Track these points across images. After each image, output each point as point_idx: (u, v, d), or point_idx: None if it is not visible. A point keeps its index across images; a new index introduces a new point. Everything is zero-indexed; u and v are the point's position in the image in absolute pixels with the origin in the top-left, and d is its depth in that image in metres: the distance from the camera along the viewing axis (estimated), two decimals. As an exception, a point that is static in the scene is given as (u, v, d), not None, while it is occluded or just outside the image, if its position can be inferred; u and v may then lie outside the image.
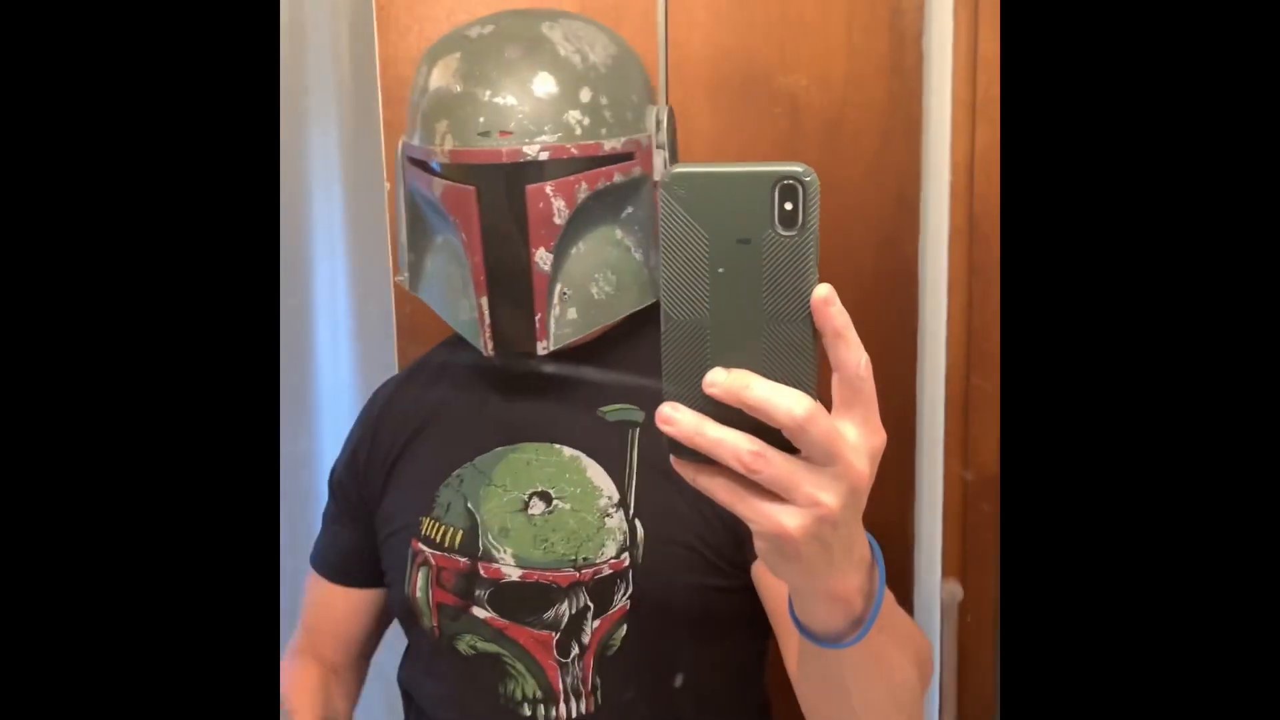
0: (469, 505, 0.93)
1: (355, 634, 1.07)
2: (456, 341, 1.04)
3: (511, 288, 0.88)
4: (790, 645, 0.83)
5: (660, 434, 0.89)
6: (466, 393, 0.99)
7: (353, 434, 1.06)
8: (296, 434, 1.57)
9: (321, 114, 1.49)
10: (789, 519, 0.49)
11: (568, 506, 0.90)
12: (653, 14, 1.21)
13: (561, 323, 0.89)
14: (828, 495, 0.49)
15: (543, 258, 0.87)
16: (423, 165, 0.91)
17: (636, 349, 0.96)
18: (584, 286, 0.90)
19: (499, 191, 0.86)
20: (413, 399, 1.02)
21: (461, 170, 0.87)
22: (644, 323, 0.97)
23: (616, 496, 0.90)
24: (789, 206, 0.49)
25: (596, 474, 0.91)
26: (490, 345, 0.89)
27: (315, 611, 1.09)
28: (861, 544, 0.55)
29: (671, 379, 0.51)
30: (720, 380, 0.49)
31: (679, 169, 0.49)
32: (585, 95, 0.87)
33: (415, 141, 0.91)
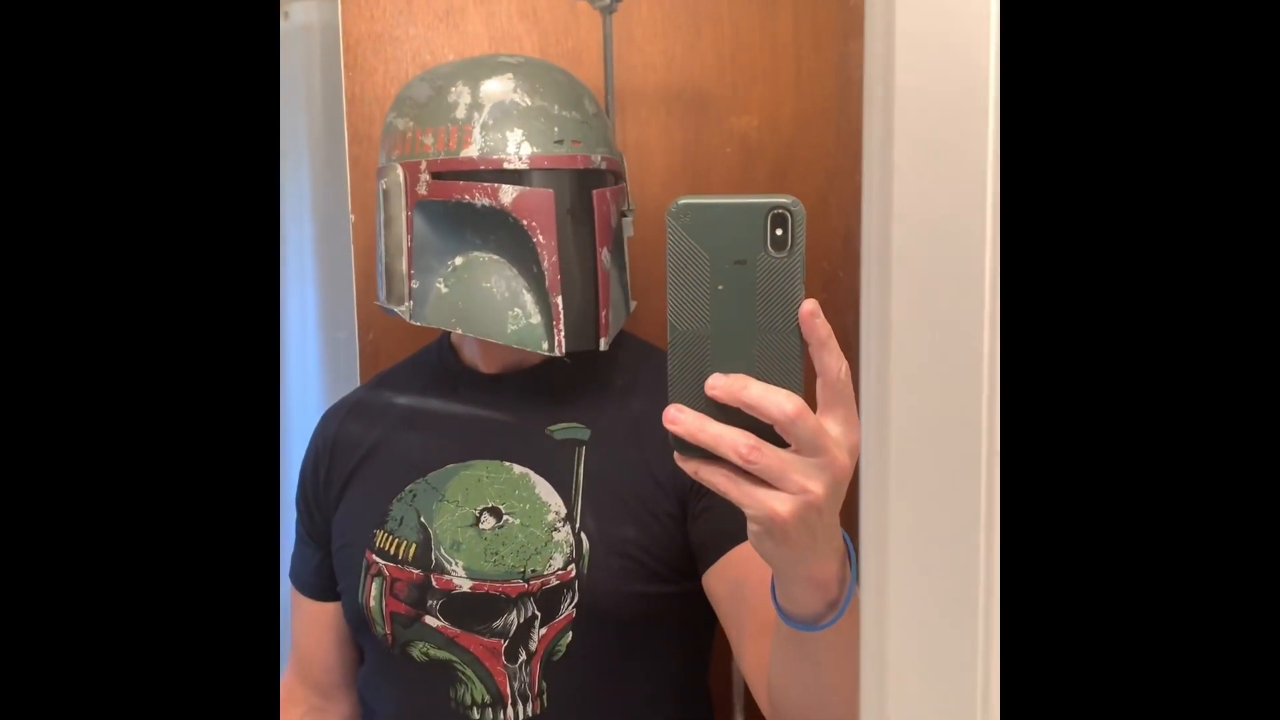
0: (422, 519, 0.97)
1: (341, 649, 1.10)
2: (405, 365, 1.09)
3: (583, 287, 0.95)
4: (747, 646, 0.88)
5: (601, 453, 0.94)
6: (417, 411, 1.03)
7: (308, 457, 1.09)
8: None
9: (294, 150, 1.53)
10: (780, 504, 0.57)
11: (517, 521, 0.94)
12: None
13: (612, 321, 0.97)
14: (814, 483, 0.56)
15: (605, 257, 0.96)
16: (477, 175, 0.94)
17: (580, 369, 1.01)
18: (615, 290, 0.99)
19: (574, 195, 0.95)
20: (366, 416, 1.06)
21: (538, 175, 0.94)
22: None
23: (564, 511, 0.94)
24: (780, 232, 0.57)
25: (545, 490, 0.95)
26: (564, 344, 0.94)
27: (301, 631, 1.13)
28: (838, 536, 0.62)
29: (676, 384, 0.58)
30: (720, 383, 0.56)
31: (685, 200, 0.57)
32: (611, 121, 0.98)
33: (473, 153, 0.93)
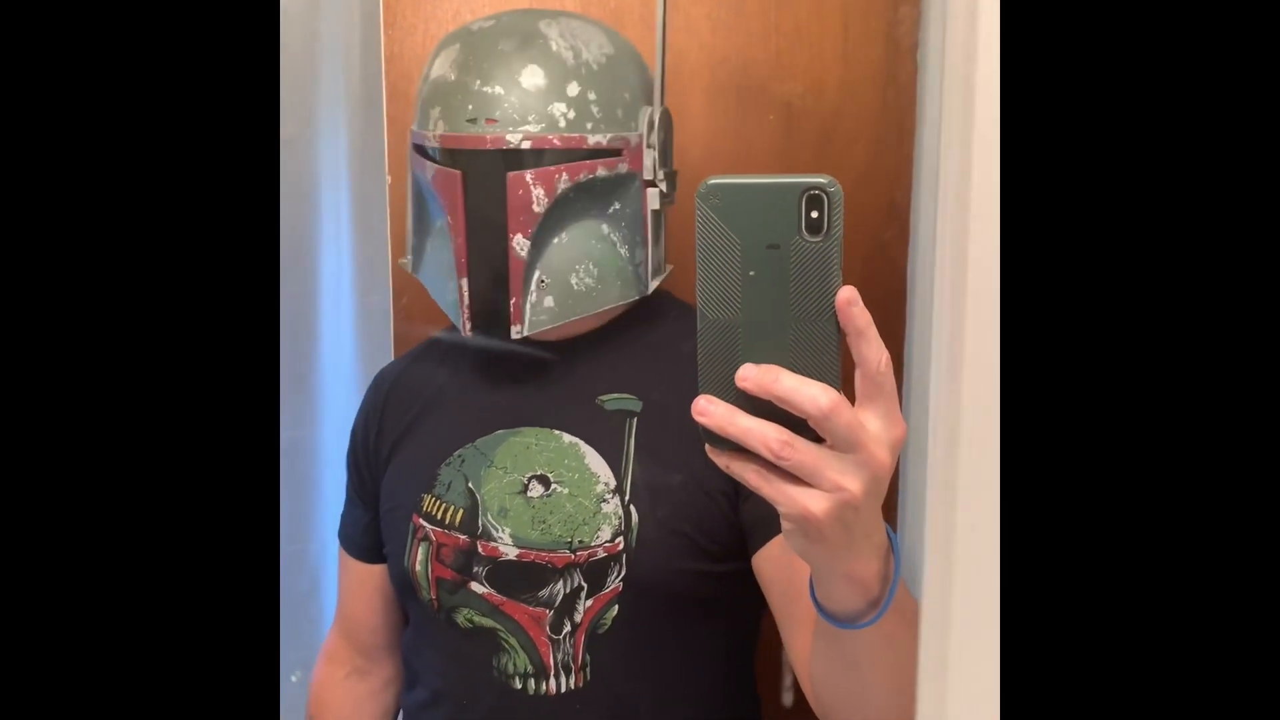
0: (470, 485, 0.96)
1: (387, 612, 1.10)
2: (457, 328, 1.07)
3: (490, 272, 0.92)
4: (794, 633, 0.86)
5: (653, 426, 0.92)
6: (469, 376, 1.02)
7: (359, 418, 1.10)
8: (298, 420, 1.60)
9: (330, 109, 1.52)
10: (814, 502, 0.54)
11: (565, 491, 0.93)
12: (651, 19, 1.23)
13: (538, 309, 0.92)
14: (851, 480, 0.53)
15: (520, 244, 0.90)
16: (420, 149, 0.95)
17: (635, 341, 0.98)
18: (564, 276, 0.93)
19: (482, 177, 0.90)
20: (419, 379, 1.05)
21: (449, 155, 0.92)
22: (645, 315, 0.99)
23: (613, 483, 0.93)
24: (815, 215, 0.53)
25: (594, 461, 0.94)
26: (469, 326, 0.93)
27: (348, 591, 1.13)
28: (880, 531, 0.59)
29: (706, 374, 0.55)
30: (751, 374, 0.53)
31: (714, 180, 0.53)
32: (573, 89, 0.90)
33: (415, 127, 0.95)
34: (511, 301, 0.91)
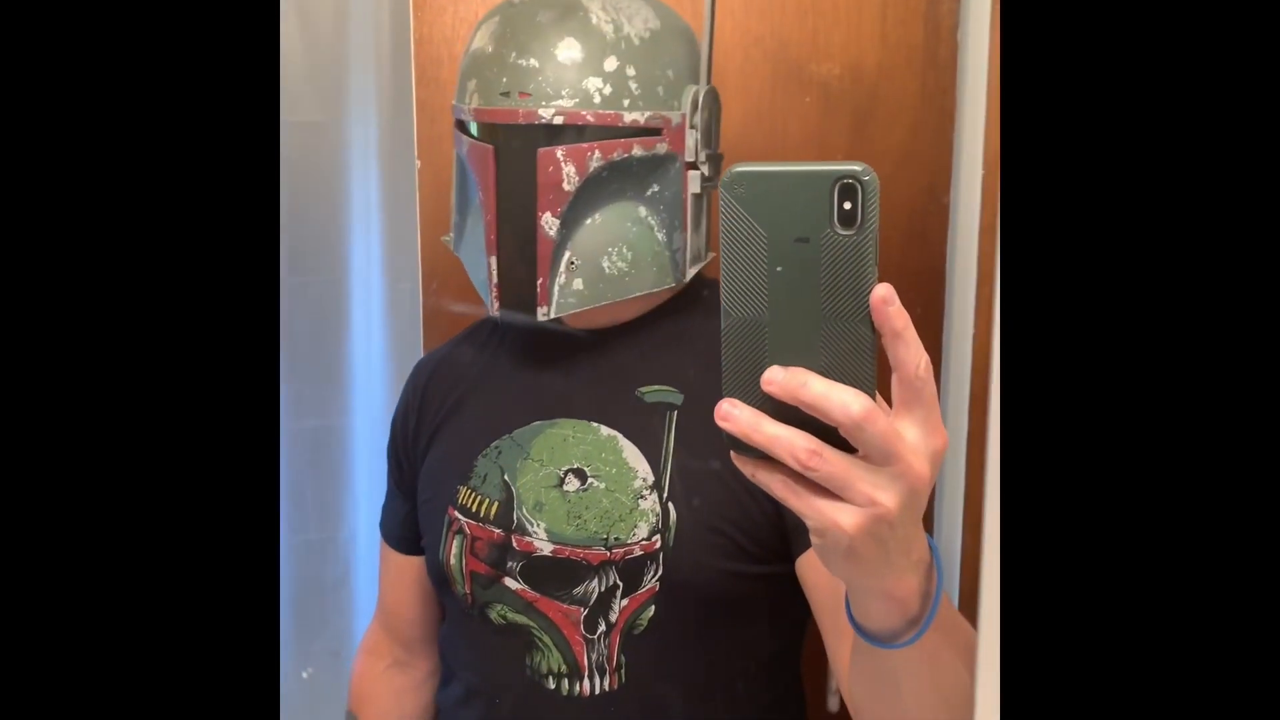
0: (505, 477, 0.94)
1: (426, 605, 1.09)
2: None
3: (518, 250, 0.89)
4: (836, 643, 0.83)
5: (694, 420, 0.90)
6: (507, 364, 1.00)
7: (399, 407, 1.08)
8: (328, 408, 1.60)
9: (360, 93, 1.50)
10: (844, 517, 0.50)
11: (602, 486, 0.91)
12: (685, -1, 1.21)
13: (566, 291, 0.89)
14: (885, 495, 0.50)
15: (548, 222, 0.87)
16: (459, 124, 0.93)
17: (677, 331, 0.95)
18: (595, 259, 0.90)
19: (514, 152, 0.87)
20: (457, 367, 1.03)
21: (483, 129, 0.89)
22: (688, 304, 0.97)
23: (651, 479, 0.90)
24: (848, 206, 0.49)
25: (632, 455, 0.91)
26: (496, 305, 0.90)
27: (388, 583, 1.12)
28: (920, 545, 0.55)
29: (730, 376, 0.52)
30: (778, 378, 0.50)
31: (738, 168, 0.50)
32: (610, 64, 0.87)
33: (454, 101, 0.93)
34: (539, 282, 0.88)
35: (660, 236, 0.92)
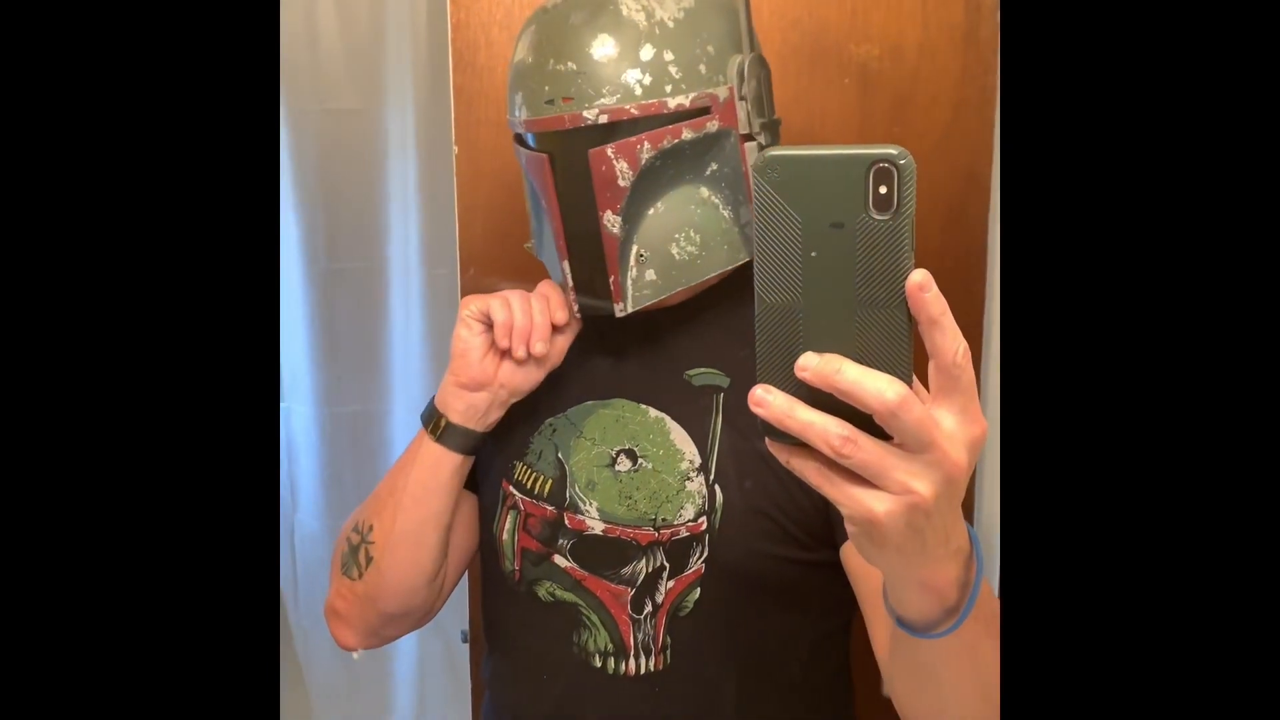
0: (559, 455, 0.95)
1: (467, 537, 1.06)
2: None
3: (587, 252, 0.89)
4: (879, 631, 0.83)
5: (742, 403, 0.90)
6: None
7: None
8: (367, 394, 1.61)
9: (398, 80, 1.51)
10: (879, 505, 0.50)
11: (651, 466, 0.91)
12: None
13: (640, 284, 0.89)
14: (921, 483, 0.49)
15: (610, 220, 0.88)
16: (517, 138, 0.93)
17: (726, 313, 0.95)
18: (663, 247, 0.89)
19: (568, 157, 0.88)
20: None
21: (537, 139, 0.89)
22: (734, 287, 0.96)
23: (698, 461, 0.90)
24: (883, 190, 0.48)
25: (679, 437, 0.92)
26: (575, 308, 0.91)
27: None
28: (959, 534, 0.54)
29: (764, 361, 0.51)
30: (812, 364, 0.49)
31: (772, 152, 0.49)
32: (647, 54, 0.86)
33: (507, 115, 0.93)
34: (611, 280, 0.88)
35: (727, 214, 0.91)
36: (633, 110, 0.86)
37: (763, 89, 0.92)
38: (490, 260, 1.27)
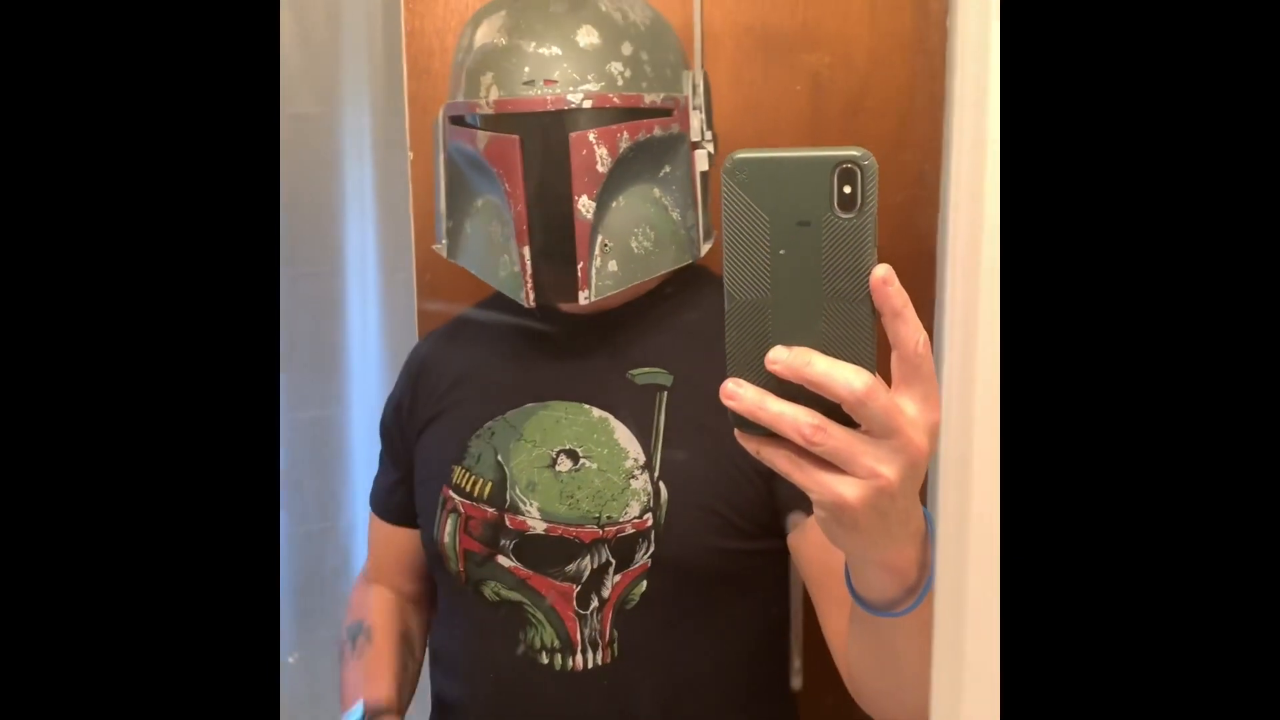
0: (499, 458, 0.96)
1: (415, 569, 1.11)
2: (493, 301, 1.07)
3: (554, 236, 0.89)
4: (831, 616, 0.85)
5: (685, 399, 0.91)
6: (500, 350, 1.02)
7: (397, 385, 1.10)
8: (326, 399, 1.61)
9: (353, 86, 1.51)
10: (848, 489, 0.52)
11: (594, 466, 0.92)
12: (674, -12, 1.21)
13: (603, 274, 0.91)
14: (886, 467, 0.52)
15: (585, 205, 0.89)
16: (459, 121, 0.93)
17: (667, 314, 0.97)
18: (624, 240, 0.91)
19: (542, 139, 0.88)
20: (451, 354, 1.05)
21: (506, 120, 0.90)
22: (675, 288, 0.98)
23: (643, 459, 0.92)
24: (848, 190, 0.51)
25: (624, 436, 0.93)
26: (532, 296, 0.91)
27: (379, 550, 1.14)
28: (918, 518, 0.57)
29: (735, 356, 0.53)
30: (782, 357, 0.51)
31: (740, 154, 0.51)
32: (627, 49, 0.89)
33: (460, 99, 0.93)
34: (579, 266, 0.89)
35: (675, 216, 0.94)
36: (615, 99, 0.88)
37: (707, 104, 0.95)
38: (446, 264, 1.27)
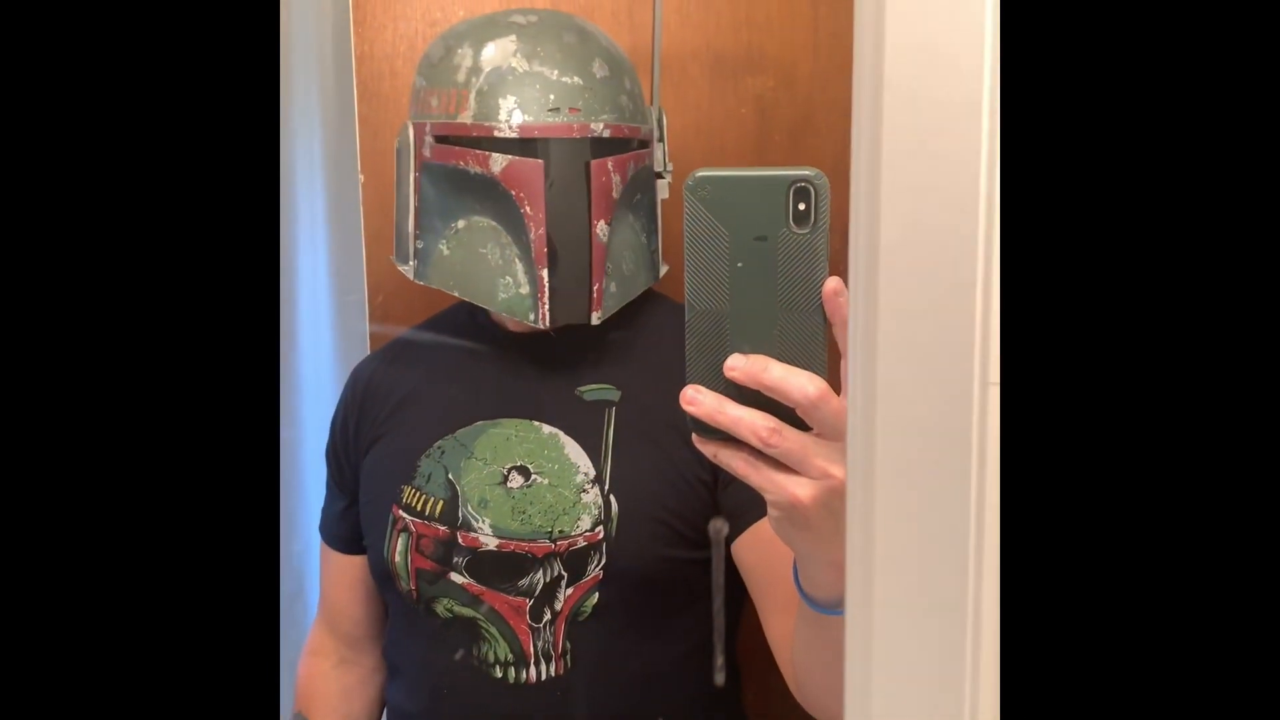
0: (450, 476, 0.97)
1: (369, 603, 1.11)
2: (433, 323, 1.08)
3: (571, 259, 0.92)
4: (776, 619, 0.87)
5: (633, 414, 0.93)
6: (448, 369, 1.03)
7: (338, 410, 1.10)
8: (282, 422, 1.60)
9: (304, 110, 1.51)
10: (801, 489, 0.55)
11: (546, 482, 0.94)
12: (620, 14, 1.24)
13: (608, 295, 0.94)
14: (837, 468, 0.55)
15: (602, 230, 0.93)
16: (471, 141, 0.93)
17: (615, 331, 0.99)
18: (620, 263, 0.96)
19: (565, 165, 0.91)
20: (395, 375, 1.06)
21: (529, 144, 0.91)
22: (625, 308, 1.00)
23: (593, 473, 0.94)
24: (802, 207, 0.54)
25: (574, 451, 0.95)
26: (548, 319, 0.92)
27: (329, 583, 1.14)
28: None
29: (694, 364, 0.56)
30: (740, 364, 0.55)
31: (702, 172, 0.55)
32: (627, 83, 0.95)
33: (467, 119, 0.93)
34: (595, 288, 0.92)
35: (644, 240, 0.99)
36: (625, 130, 0.94)
37: (664, 135, 1.02)
38: (399, 286, 1.29)
